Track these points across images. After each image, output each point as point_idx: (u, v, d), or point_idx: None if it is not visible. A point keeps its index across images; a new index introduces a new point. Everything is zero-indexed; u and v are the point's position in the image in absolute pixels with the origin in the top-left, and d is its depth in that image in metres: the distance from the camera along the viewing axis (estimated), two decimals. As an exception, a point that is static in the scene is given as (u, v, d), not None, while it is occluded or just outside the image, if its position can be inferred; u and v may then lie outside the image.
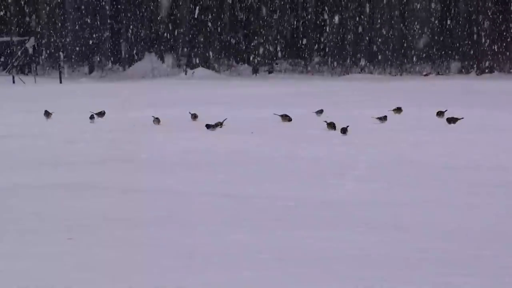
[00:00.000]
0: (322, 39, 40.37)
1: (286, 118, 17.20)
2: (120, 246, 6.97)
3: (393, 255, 6.67)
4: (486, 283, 5.97)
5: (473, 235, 7.39)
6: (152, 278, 6.12)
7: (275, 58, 39.37)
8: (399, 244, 7.06)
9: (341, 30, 39.83)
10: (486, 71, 35.37)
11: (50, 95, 24.81)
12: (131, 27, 39.55)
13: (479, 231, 7.54)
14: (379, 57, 38.72)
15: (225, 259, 6.56)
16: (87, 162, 12.02)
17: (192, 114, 17.78)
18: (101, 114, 17.44)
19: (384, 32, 39.50)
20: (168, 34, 38.45)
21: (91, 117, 17.24)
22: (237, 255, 6.69)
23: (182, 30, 39.45)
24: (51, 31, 39.48)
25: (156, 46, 38.30)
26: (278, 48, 39.96)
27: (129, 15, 39.48)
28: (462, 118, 16.37)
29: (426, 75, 36.11)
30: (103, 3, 40.77)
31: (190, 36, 37.81)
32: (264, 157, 12.35)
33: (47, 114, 17.97)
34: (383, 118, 16.67)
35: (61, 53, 37.79)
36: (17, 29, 37.30)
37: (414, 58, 38.71)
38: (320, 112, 17.73)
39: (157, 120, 16.74)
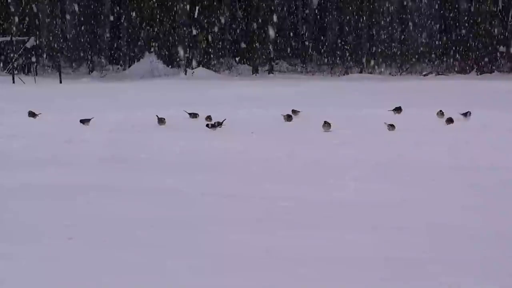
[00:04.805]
0: (322, 39, 40.38)
1: (289, 118, 17.22)
2: (120, 246, 6.97)
3: (393, 256, 6.67)
4: (490, 284, 5.97)
5: (475, 235, 7.38)
6: (152, 278, 6.12)
7: (275, 58, 39.36)
8: (400, 245, 7.05)
9: (341, 30, 39.85)
10: (486, 71, 35.35)
11: (50, 95, 24.82)
12: (130, 27, 39.55)
13: (481, 231, 7.53)
14: (379, 57, 38.70)
15: (225, 259, 6.56)
16: (87, 162, 12.03)
17: (190, 114, 17.79)
18: (87, 120, 16.79)
19: (384, 32, 39.52)
20: (168, 34, 38.44)
21: (83, 121, 16.78)
22: (237, 255, 6.69)
23: (182, 30, 39.45)
24: (51, 31, 39.46)
25: (155, 46, 38.28)
26: (278, 48, 39.96)
27: (129, 14, 39.47)
28: (469, 112, 16.69)
29: (426, 75, 36.10)
30: (103, 3, 40.78)
31: (190, 36, 37.80)
32: (264, 157, 12.35)
33: (33, 114, 17.92)
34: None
35: (61, 53, 37.78)
36: (17, 29, 37.28)
37: (414, 58, 38.70)
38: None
39: (162, 120, 16.70)
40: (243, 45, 38.94)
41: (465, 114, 17.00)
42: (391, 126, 15.41)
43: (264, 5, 38.34)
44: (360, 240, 7.18)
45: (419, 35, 40.15)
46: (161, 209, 8.56)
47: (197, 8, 37.31)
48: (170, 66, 37.75)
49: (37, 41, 37.01)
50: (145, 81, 32.45)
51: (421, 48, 39.36)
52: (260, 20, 38.30)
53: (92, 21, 40.29)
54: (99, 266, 6.38)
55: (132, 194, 9.40)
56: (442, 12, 38.97)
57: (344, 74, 36.95)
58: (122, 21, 40.28)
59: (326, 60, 39.48)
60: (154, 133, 15.47)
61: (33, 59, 36.82)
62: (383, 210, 8.51)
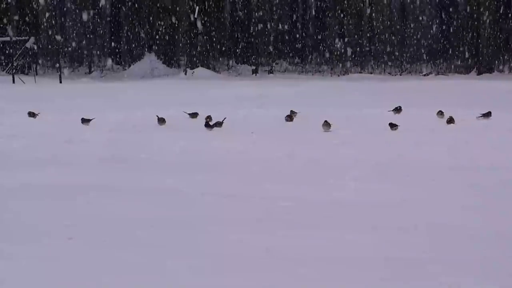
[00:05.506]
0: (322, 39, 40.38)
1: (290, 118, 17.24)
2: (120, 246, 6.97)
3: (393, 256, 6.67)
4: (490, 283, 5.97)
5: (475, 235, 7.38)
6: (152, 278, 6.12)
7: (275, 58, 39.36)
8: (400, 245, 7.05)
9: (341, 29, 39.84)
10: (486, 71, 35.35)
11: (50, 95, 24.83)
12: (131, 27, 39.56)
13: (481, 231, 7.53)
14: (379, 57, 38.71)
15: (225, 259, 6.56)
16: (87, 162, 12.03)
17: (190, 114, 17.79)
18: (88, 120, 16.77)
19: (384, 32, 39.52)
20: (168, 34, 38.47)
21: (83, 121, 16.79)
22: (237, 255, 6.69)
23: (182, 30, 39.46)
24: (51, 31, 39.47)
25: (155, 46, 38.30)
26: (278, 48, 39.97)
27: (129, 14, 39.47)
28: (490, 112, 16.86)
29: (426, 75, 36.11)
30: (103, 3, 40.79)
31: (190, 36, 37.81)
32: (264, 157, 12.35)
33: (33, 114, 17.93)
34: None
35: (61, 53, 37.78)
36: (17, 29, 37.29)
37: (414, 58, 38.71)
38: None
39: (162, 120, 16.71)
40: (243, 45, 38.94)
41: (486, 115, 17.03)
42: (394, 126, 15.45)
43: (264, 5, 38.36)
44: (360, 240, 7.18)
45: (419, 35, 40.15)
46: (161, 209, 8.55)
47: (197, 8, 37.31)
48: (170, 66, 37.77)
49: (37, 41, 37.00)
50: (145, 81, 32.47)
51: (421, 49, 39.37)
52: (260, 20, 38.30)
53: (92, 21, 40.26)
54: (99, 266, 6.38)
55: (132, 194, 9.40)
56: (442, 12, 38.96)
57: (344, 74, 36.96)
58: (122, 21, 40.26)
59: (326, 60, 39.48)
60: (154, 133, 15.47)
61: (33, 59, 36.81)
62: (383, 210, 8.51)
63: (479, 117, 17.05)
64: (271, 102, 21.28)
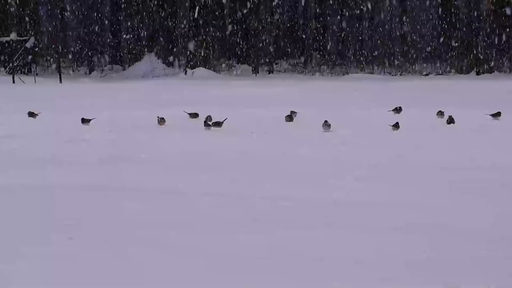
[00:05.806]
0: (322, 39, 40.37)
1: (290, 118, 17.24)
2: (120, 246, 6.97)
3: (393, 256, 6.67)
4: (490, 283, 5.97)
5: (475, 235, 7.38)
6: (151, 278, 6.12)
7: (275, 58, 39.35)
8: (400, 245, 7.05)
9: (341, 29, 39.84)
10: (486, 71, 35.35)
11: (50, 95, 24.83)
12: (131, 27, 39.55)
13: (481, 232, 7.53)
14: (379, 57, 38.71)
15: (225, 259, 6.56)
16: (87, 162, 12.03)
17: (190, 114, 17.79)
18: (88, 120, 16.69)
19: (384, 32, 39.53)
20: (168, 34, 38.46)
21: (83, 121, 16.78)
22: (237, 255, 6.69)
23: (182, 30, 39.45)
24: (51, 31, 39.46)
25: (155, 46, 38.28)
26: (278, 48, 39.96)
27: (129, 15, 39.46)
28: (499, 112, 16.82)
29: (426, 75, 36.10)
30: (103, 3, 40.78)
31: (190, 36, 37.80)
32: (264, 157, 12.35)
33: (33, 114, 17.92)
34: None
35: (61, 53, 37.77)
36: (17, 29, 37.29)
37: (414, 58, 38.72)
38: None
39: (162, 120, 16.72)
40: (243, 45, 38.93)
41: (496, 115, 16.99)
42: (395, 126, 15.46)
43: (264, 4, 38.36)
44: (360, 240, 7.18)
45: (419, 35, 40.15)
46: (161, 209, 8.55)
47: (197, 8, 37.30)
48: (170, 66, 37.77)
49: (37, 41, 37.01)
50: (145, 81, 32.47)
51: (422, 48, 39.36)
52: (260, 20, 38.29)
53: (92, 21, 40.28)
54: (99, 266, 6.37)
55: (132, 194, 9.39)
56: (442, 12, 38.96)
57: (344, 74, 36.95)
58: (122, 21, 40.26)
59: (326, 60, 39.48)
60: (154, 133, 15.47)
61: (33, 59, 36.81)
62: (383, 210, 8.51)
63: (488, 114, 17.04)
64: (271, 102, 21.27)
